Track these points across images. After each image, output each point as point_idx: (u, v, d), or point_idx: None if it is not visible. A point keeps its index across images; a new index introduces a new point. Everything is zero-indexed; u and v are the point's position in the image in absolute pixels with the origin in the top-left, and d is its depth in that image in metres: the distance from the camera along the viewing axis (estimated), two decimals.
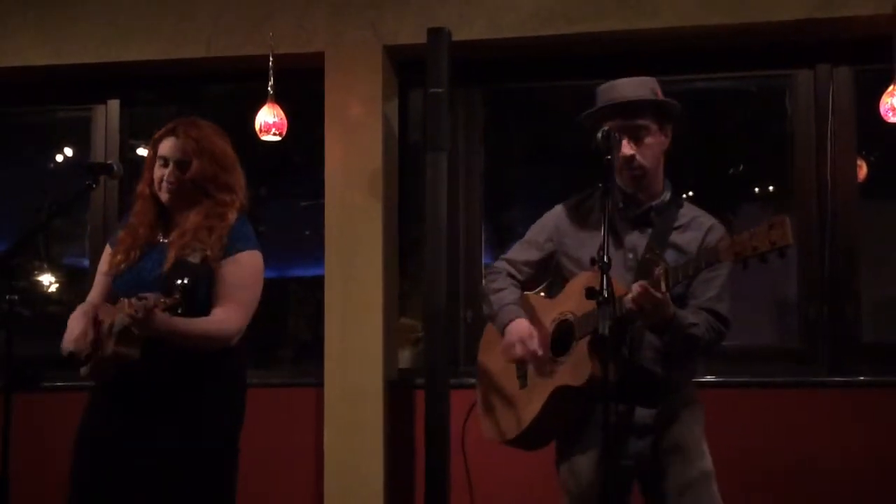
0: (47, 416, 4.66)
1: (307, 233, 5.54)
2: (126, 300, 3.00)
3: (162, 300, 2.87)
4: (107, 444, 3.11)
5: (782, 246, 2.61)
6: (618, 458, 3.00)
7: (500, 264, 3.36)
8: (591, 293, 2.66)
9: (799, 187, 4.74)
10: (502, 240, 5.43)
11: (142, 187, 3.27)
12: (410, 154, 5.07)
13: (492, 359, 3.35)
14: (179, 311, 2.91)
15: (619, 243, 3.13)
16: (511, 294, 3.26)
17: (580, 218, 3.24)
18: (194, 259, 3.11)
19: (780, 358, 4.69)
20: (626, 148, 3.09)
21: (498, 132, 5.23)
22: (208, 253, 3.11)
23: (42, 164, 5.84)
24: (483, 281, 3.39)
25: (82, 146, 5.47)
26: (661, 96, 3.19)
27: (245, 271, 3.18)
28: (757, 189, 5.29)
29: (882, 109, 4.38)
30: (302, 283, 5.71)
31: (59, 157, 5.79)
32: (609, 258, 2.71)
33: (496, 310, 3.25)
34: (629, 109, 3.10)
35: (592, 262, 2.78)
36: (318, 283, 4.96)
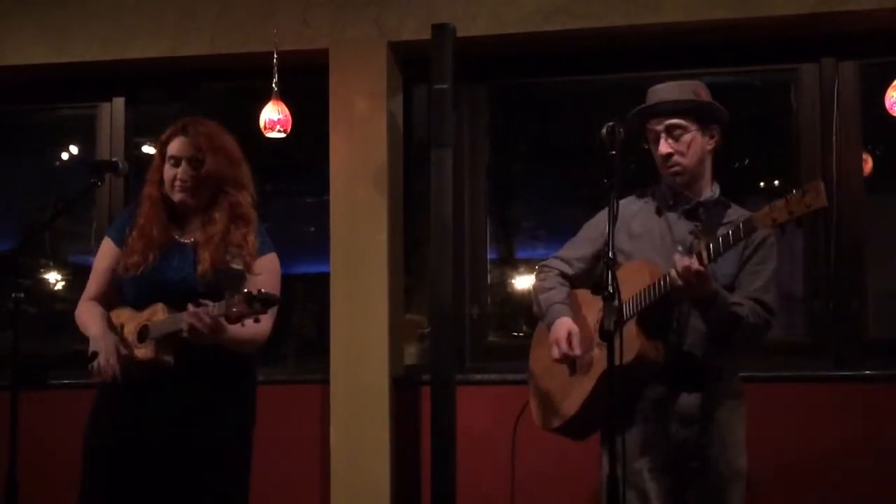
0: (54, 414, 4.67)
1: (312, 229, 5.54)
2: (161, 305, 3.03)
3: (236, 310, 2.86)
4: (130, 445, 3.11)
5: (818, 208, 2.70)
6: (664, 445, 3.14)
7: (553, 262, 3.46)
8: (597, 289, 2.70)
9: (804, 182, 4.69)
10: (507, 235, 5.43)
11: (149, 189, 3.24)
12: (415, 150, 5.07)
13: (542, 352, 3.41)
14: (243, 322, 2.92)
15: (671, 236, 3.22)
16: (558, 293, 3.37)
17: (634, 213, 3.34)
18: (237, 265, 3.12)
19: (786, 352, 4.68)
20: (664, 146, 3.20)
21: (503, 128, 5.23)
22: (249, 259, 3.14)
23: (47, 162, 5.84)
24: (534, 279, 3.46)
25: (87, 144, 5.48)
26: (705, 99, 3.26)
27: (272, 274, 3.23)
28: (762, 183, 5.29)
29: (887, 103, 4.37)
30: (307, 280, 5.71)
31: (65, 155, 5.79)
32: (615, 254, 2.77)
33: (544, 310, 3.37)
34: (668, 109, 3.20)
35: (597, 258, 2.82)
36: (323, 279, 4.96)
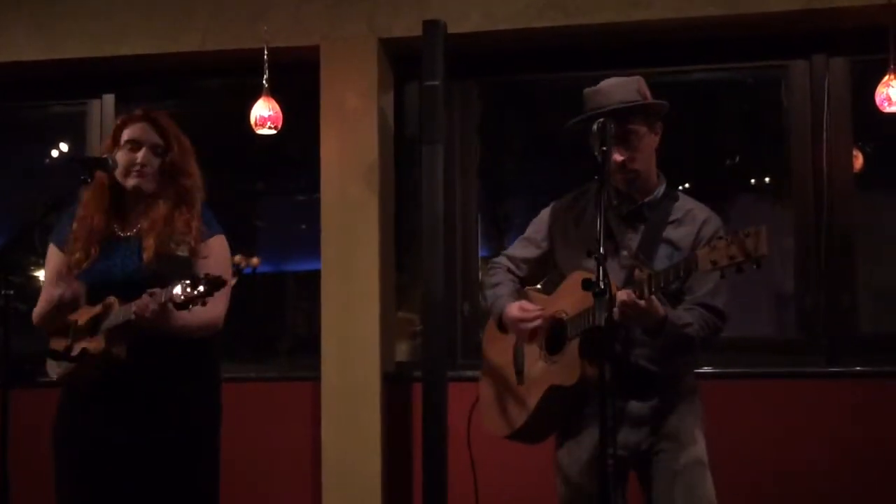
0: (44, 411, 4.65)
1: (303, 227, 5.54)
2: (113, 298, 3.02)
3: (182, 295, 2.83)
4: (96, 446, 3.10)
5: (757, 257, 2.59)
6: (611, 451, 3.02)
7: (501, 259, 3.40)
8: (587, 284, 2.67)
9: (795, 178, 4.74)
10: (499, 232, 5.43)
11: (98, 174, 3.18)
12: (406, 147, 5.06)
13: (492, 354, 3.37)
14: (190, 306, 2.88)
15: (613, 241, 3.13)
16: (505, 287, 3.30)
17: (575, 215, 3.26)
18: (182, 252, 3.10)
19: (778, 349, 4.69)
20: (618, 154, 3.06)
21: (494, 124, 5.23)
22: (193, 244, 3.12)
23: (37, 159, 5.82)
24: (482, 275, 3.40)
25: (77, 141, 5.46)
26: (648, 95, 3.17)
27: (220, 256, 3.19)
28: (753, 180, 5.29)
29: (878, 99, 4.37)
30: (298, 278, 5.71)
31: (55, 153, 5.78)
32: (604, 250, 2.72)
33: (491, 303, 3.30)
34: (618, 115, 3.06)
35: (589, 253, 2.78)
36: (314, 277, 4.95)
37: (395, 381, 4.84)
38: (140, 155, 3.16)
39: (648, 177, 3.16)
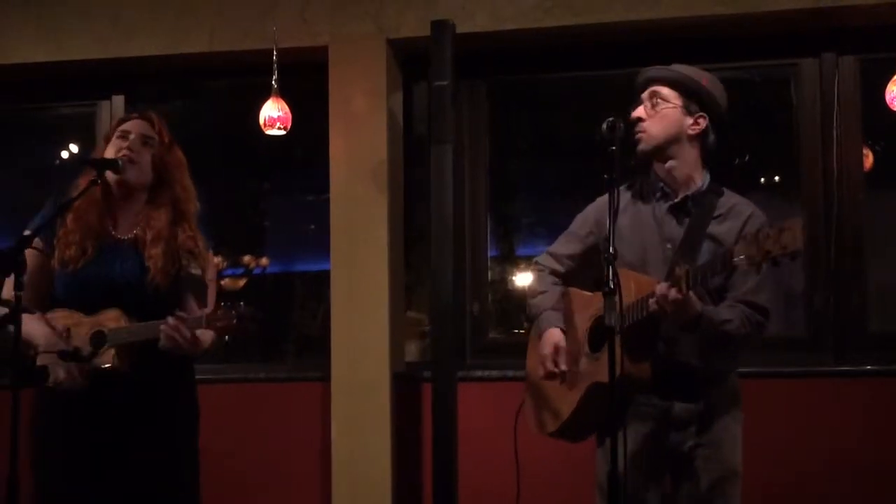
0: None
1: (312, 227, 5.55)
2: (115, 312, 3.04)
3: (219, 324, 2.92)
4: (77, 447, 3.09)
5: (793, 251, 2.59)
6: (658, 450, 3.09)
7: (544, 259, 3.39)
8: (597, 285, 2.67)
9: (805, 177, 4.73)
10: (508, 232, 5.43)
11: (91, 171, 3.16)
12: (415, 147, 5.07)
13: (537, 353, 3.38)
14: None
15: (659, 233, 3.15)
16: (550, 298, 3.31)
17: (619, 210, 3.24)
18: (195, 270, 3.14)
19: (787, 347, 4.68)
20: (638, 110, 3.15)
21: (502, 124, 5.22)
22: (204, 263, 3.17)
23: (47, 160, 5.84)
24: (529, 273, 3.41)
25: (87, 142, 5.47)
26: (705, 85, 3.20)
27: (213, 272, 3.29)
28: (763, 179, 5.28)
29: (888, 98, 4.37)
30: (307, 278, 5.71)
31: (64, 154, 5.79)
32: (615, 250, 2.72)
33: (534, 315, 3.33)
34: (653, 79, 3.20)
35: (587, 255, 2.79)
36: (323, 277, 4.96)
37: (404, 381, 4.84)
38: (128, 142, 3.17)
39: (684, 164, 3.15)
